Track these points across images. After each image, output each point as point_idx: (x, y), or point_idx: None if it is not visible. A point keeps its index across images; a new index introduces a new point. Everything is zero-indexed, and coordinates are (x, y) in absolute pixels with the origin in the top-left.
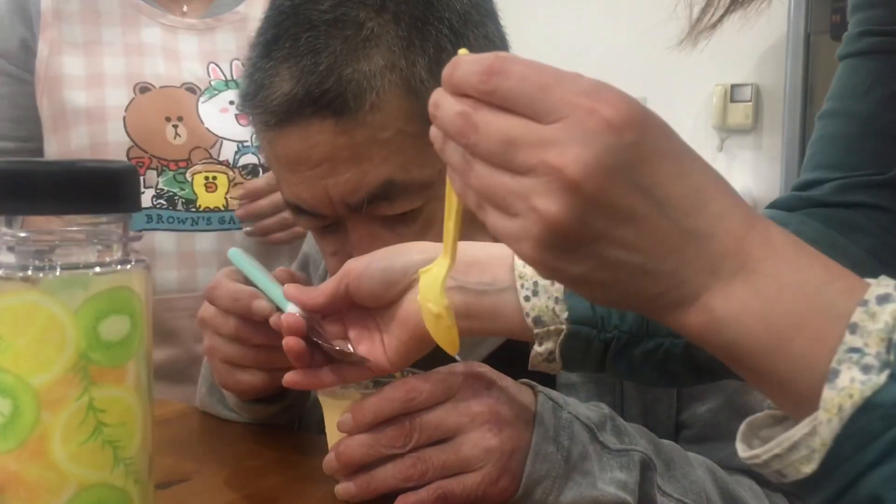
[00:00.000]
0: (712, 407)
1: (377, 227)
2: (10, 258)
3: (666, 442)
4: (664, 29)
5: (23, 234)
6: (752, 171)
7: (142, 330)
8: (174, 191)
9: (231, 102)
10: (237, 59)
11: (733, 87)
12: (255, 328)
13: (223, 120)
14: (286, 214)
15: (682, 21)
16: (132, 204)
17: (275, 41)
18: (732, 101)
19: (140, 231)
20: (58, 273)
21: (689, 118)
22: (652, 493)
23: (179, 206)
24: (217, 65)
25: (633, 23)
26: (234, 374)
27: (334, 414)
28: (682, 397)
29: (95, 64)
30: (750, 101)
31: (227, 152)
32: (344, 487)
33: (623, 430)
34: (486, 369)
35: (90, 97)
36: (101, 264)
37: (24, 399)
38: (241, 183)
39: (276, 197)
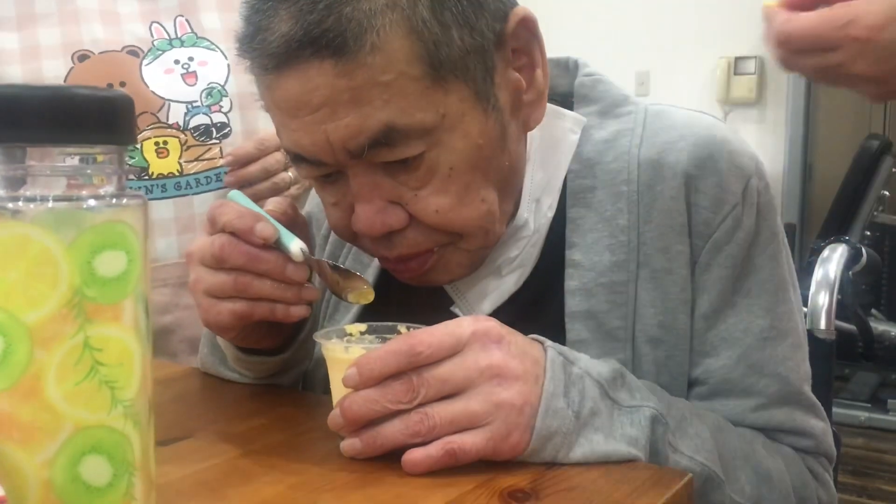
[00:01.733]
0: (726, 363)
1: (378, 175)
2: None
3: (678, 399)
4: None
5: (13, 165)
6: (755, 146)
7: (139, 268)
8: None
9: (176, 62)
10: (181, 16)
11: (737, 59)
12: (238, 248)
13: (169, 81)
14: (278, 179)
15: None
16: (128, 136)
17: None
18: (736, 73)
19: None
20: (50, 205)
21: (693, 91)
22: (664, 449)
23: (131, 175)
24: (160, 24)
25: None
26: (217, 306)
27: (339, 369)
28: (696, 353)
29: (30, 36)
30: (754, 73)
31: (176, 114)
32: (349, 444)
33: (634, 387)
34: (494, 323)
35: (26, 71)
36: (96, 197)
37: (16, 336)
38: (195, 145)
39: (267, 162)
